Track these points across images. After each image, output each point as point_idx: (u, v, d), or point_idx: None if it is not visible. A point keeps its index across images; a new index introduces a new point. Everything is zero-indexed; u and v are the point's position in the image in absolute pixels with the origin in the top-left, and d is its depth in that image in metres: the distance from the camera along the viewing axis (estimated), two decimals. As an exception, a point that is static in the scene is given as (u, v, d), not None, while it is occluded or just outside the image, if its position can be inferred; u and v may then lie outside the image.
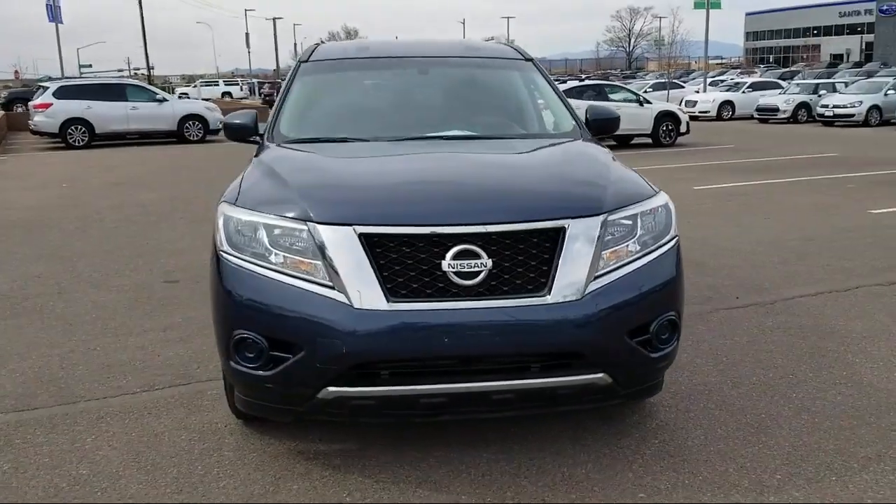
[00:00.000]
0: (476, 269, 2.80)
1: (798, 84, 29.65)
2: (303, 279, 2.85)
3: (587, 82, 18.72)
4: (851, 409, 3.63)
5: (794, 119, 26.29)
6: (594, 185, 3.23)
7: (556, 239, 2.91)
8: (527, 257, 2.88)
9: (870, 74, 34.21)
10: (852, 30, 76.36)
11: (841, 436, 3.37)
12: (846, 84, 27.88)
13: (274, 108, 4.22)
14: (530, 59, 4.73)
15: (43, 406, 3.82)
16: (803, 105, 26.37)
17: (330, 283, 2.81)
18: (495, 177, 3.43)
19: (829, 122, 24.20)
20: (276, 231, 2.95)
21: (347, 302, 2.77)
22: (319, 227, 2.87)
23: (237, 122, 4.19)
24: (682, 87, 36.97)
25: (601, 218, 2.98)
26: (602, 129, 4.28)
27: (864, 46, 72.20)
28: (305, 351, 2.80)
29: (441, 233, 2.83)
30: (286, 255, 2.91)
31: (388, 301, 2.77)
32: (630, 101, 18.24)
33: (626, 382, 3.01)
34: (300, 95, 4.32)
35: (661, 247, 3.13)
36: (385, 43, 5.33)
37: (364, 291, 2.77)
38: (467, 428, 3.43)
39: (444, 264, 2.79)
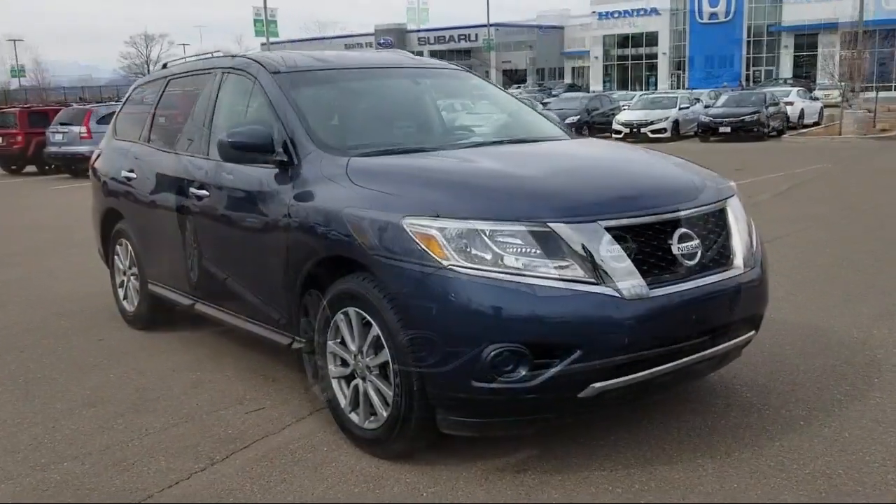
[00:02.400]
0: (694, 249, 3.10)
1: None
2: (558, 279, 2.82)
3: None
4: None
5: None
6: (710, 172, 3.65)
7: (723, 218, 3.35)
8: (715, 235, 3.26)
9: None
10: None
11: None
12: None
13: (291, 124, 3.73)
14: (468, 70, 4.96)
15: None
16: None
17: (592, 279, 2.84)
18: (656, 168, 3.63)
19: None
20: (509, 235, 2.86)
21: (618, 294, 2.84)
22: (563, 225, 2.86)
23: (249, 140, 3.63)
24: None
25: (735, 197, 3.51)
26: None
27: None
28: (582, 350, 2.80)
29: (667, 218, 3.06)
30: (526, 257, 2.84)
31: (649, 288, 2.92)
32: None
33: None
34: (314, 108, 3.91)
35: None
36: (326, 55, 4.96)
37: (629, 282, 2.86)
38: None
39: (674, 248, 3.04)
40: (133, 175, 5.01)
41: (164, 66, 5.45)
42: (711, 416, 3.58)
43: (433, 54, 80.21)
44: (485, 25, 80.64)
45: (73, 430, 3.75)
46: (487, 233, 2.86)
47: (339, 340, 3.41)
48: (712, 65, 59.61)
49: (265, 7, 33.59)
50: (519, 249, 2.85)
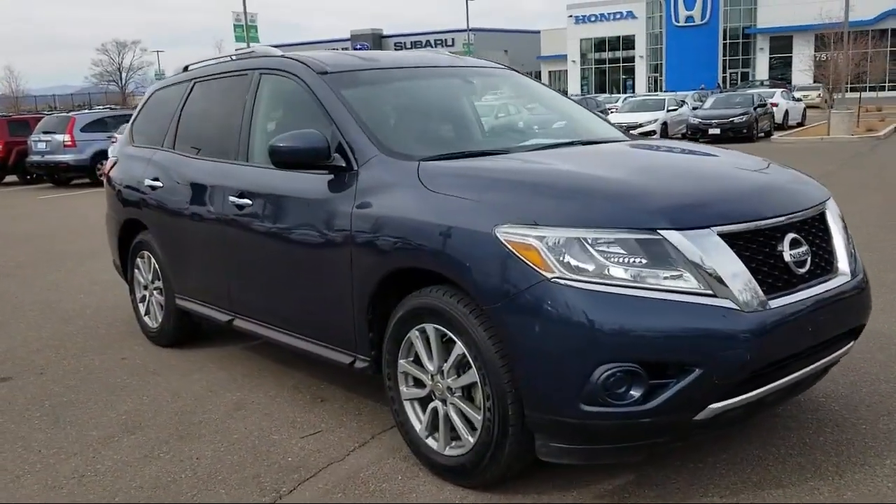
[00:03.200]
0: (804, 256, 2.89)
1: None
2: (671, 291, 2.59)
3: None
4: None
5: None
6: (802, 173, 3.42)
7: (824, 222, 3.14)
8: (820, 241, 3.05)
9: None
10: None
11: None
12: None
13: (347, 127, 3.47)
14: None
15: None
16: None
17: (708, 291, 2.61)
18: (755, 169, 3.37)
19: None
20: (613, 244, 2.62)
21: (737, 307, 2.61)
22: (675, 233, 2.64)
23: (304, 145, 3.37)
24: None
25: (832, 200, 3.30)
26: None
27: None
28: (702, 368, 2.56)
29: (778, 223, 2.84)
30: (634, 268, 2.60)
31: (767, 299, 2.70)
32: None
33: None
34: (369, 110, 3.64)
35: None
36: (370, 54, 4.69)
37: (746, 293, 2.64)
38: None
39: (786, 255, 2.83)
40: (159, 184, 4.72)
41: (186, 68, 5.16)
42: (806, 432, 3.37)
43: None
44: (462, 31, 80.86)
45: (117, 460, 3.45)
46: (590, 242, 2.62)
47: (412, 359, 3.16)
48: (689, 67, 60.00)
49: (245, 12, 33.17)
50: (625, 259, 2.62)
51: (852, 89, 34.61)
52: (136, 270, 5.25)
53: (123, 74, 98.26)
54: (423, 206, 3.03)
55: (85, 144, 17.30)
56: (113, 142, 16.44)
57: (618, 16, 65.79)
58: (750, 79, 57.11)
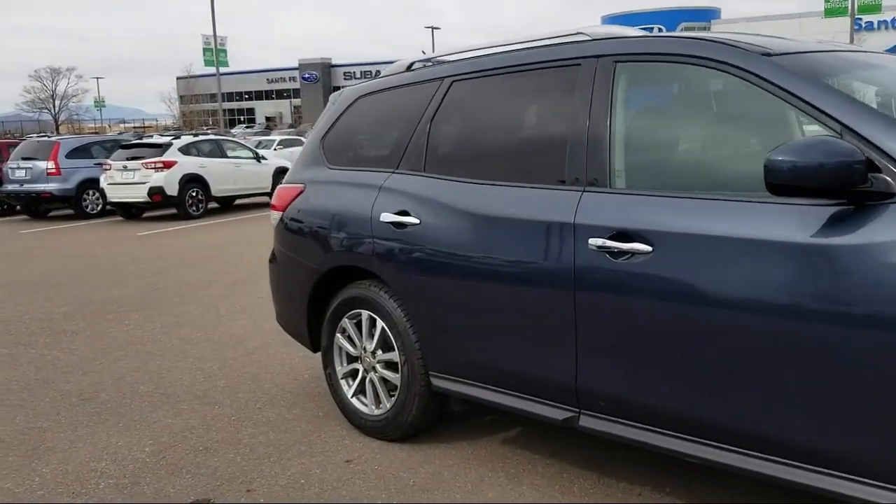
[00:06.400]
0: None
1: None
2: None
3: (202, 137, 16.21)
4: None
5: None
6: None
7: None
8: None
9: (301, 133, 36.53)
10: (280, 95, 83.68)
11: None
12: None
13: (872, 134, 2.27)
14: None
15: None
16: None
17: None
18: None
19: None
20: None
21: None
22: None
23: (831, 161, 2.16)
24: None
25: None
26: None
27: (293, 109, 79.84)
28: None
29: None
30: None
31: None
32: (249, 157, 16.39)
33: None
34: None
35: None
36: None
37: None
38: None
39: None
40: (411, 220, 3.41)
41: (410, 66, 3.89)
42: None
43: (360, 89, 79.26)
44: (418, 60, 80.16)
45: None
46: None
47: None
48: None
49: (214, 35, 31.43)
50: None
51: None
52: (338, 336, 3.90)
53: (57, 102, 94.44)
54: None
55: (70, 172, 15.47)
56: (105, 169, 14.75)
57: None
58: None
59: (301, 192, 4.08)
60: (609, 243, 2.70)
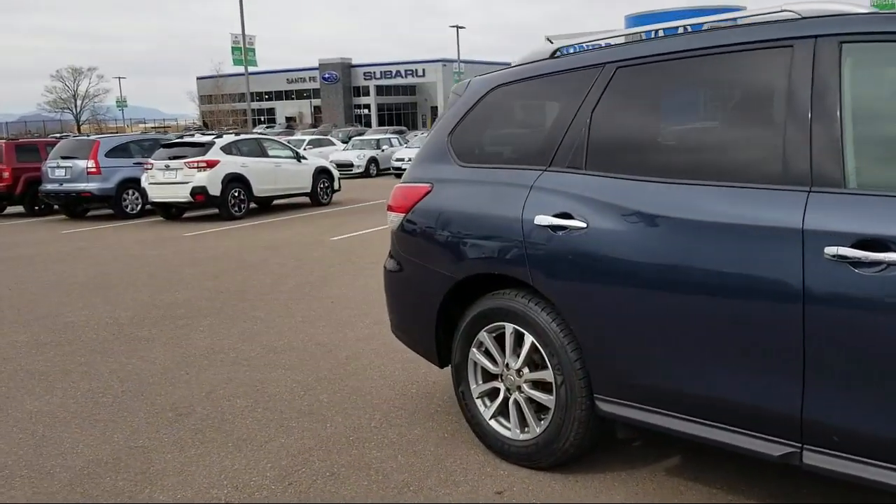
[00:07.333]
0: None
1: (361, 140, 29.73)
2: None
3: (244, 136, 15.92)
4: None
5: (366, 173, 26.81)
6: None
7: None
8: None
9: (324, 133, 36.00)
10: (300, 95, 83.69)
11: None
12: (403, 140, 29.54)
13: None
14: None
15: None
16: (373, 160, 27.13)
17: None
18: None
19: (401, 172, 25.24)
20: None
21: None
22: None
23: None
24: (334, 143, 32.57)
25: None
26: None
27: (312, 109, 79.81)
28: None
29: None
30: None
31: None
32: (289, 157, 16.07)
33: None
34: None
35: None
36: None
37: None
38: None
39: None
40: (576, 223, 3.03)
41: (555, 54, 3.52)
42: None
43: (379, 89, 79.13)
44: (432, 61, 79.97)
45: None
46: None
47: None
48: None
49: (243, 34, 31.22)
50: None
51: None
52: (473, 350, 3.54)
53: (79, 101, 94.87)
54: None
55: (110, 171, 15.21)
56: (147, 168, 14.49)
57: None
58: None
59: (428, 191, 3.72)
60: (852, 252, 2.32)
